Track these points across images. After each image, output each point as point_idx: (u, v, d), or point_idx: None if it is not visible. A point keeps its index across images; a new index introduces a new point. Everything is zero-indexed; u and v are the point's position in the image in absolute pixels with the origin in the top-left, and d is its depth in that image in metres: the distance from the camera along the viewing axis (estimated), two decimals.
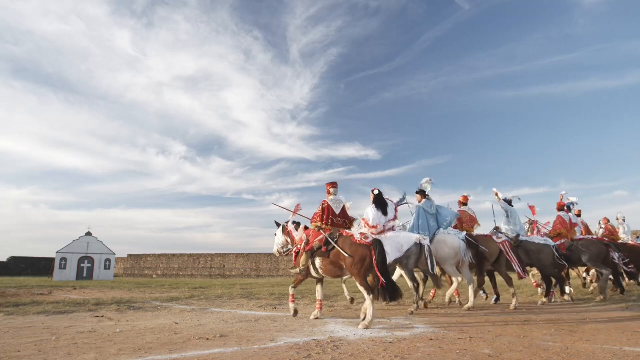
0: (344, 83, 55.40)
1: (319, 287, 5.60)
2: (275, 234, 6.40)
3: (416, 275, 6.49)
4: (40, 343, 3.67)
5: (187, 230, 57.63)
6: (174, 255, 31.36)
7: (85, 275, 22.96)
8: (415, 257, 5.89)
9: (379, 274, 4.65)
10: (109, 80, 52.44)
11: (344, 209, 5.59)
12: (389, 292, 4.66)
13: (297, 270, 5.53)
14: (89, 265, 23.30)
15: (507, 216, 7.45)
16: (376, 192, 6.00)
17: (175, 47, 51.21)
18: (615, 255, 7.46)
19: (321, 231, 5.28)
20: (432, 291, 7.33)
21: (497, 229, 7.47)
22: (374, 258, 4.72)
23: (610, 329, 4.15)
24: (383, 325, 4.63)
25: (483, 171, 53.53)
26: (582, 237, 7.68)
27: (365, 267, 4.76)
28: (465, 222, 7.07)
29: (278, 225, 6.42)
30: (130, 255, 33.63)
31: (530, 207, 8.04)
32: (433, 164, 53.42)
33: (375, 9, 50.26)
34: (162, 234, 55.91)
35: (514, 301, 6.23)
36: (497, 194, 7.59)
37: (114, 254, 24.64)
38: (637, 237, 11.12)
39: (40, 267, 32.31)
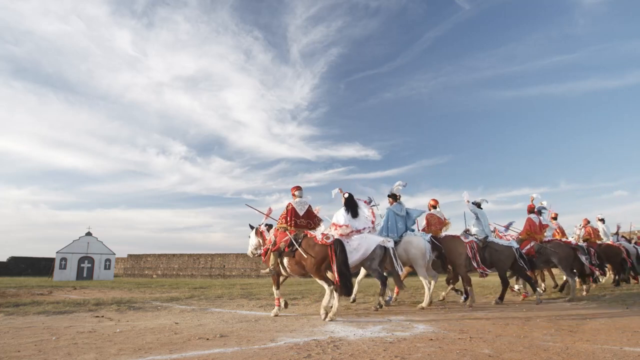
0: (344, 83, 55.47)
1: (276, 289, 5.90)
2: (249, 236, 6.66)
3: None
4: (40, 343, 3.67)
5: (187, 230, 57.65)
6: (174, 255, 31.34)
7: (85, 275, 22.95)
8: (379, 259, 6.13)
9: (335, 272, 4.99)
10: (109, 80, 52.48)
11: (308, 211, 5.86)
12: (344, 287, 4.98)
13: (267, 270, 5.87)
14: (89, 265, 23.29)
15: (477, 218, 7.67)
16: (346, 195, 6.41)
17: (176, 47, 51.24)
18: (583, 257, 7.66)
19: (287, 232, 5.58)
20: (396, 290, 7.57)
21: (467, 231, 7.74)
22: (333, 257, 5.04)
23: (610, 329, 4.15)
24: (383, 325, 4.62)
25: (483, 171, 53.59)
26: (551, 239, 7.88)
27: (324, 266, 5.16)
28: (433, 224, 7.36)
29: (252, 227, 6.67)
30: (130, 255, 33.62)
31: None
32: (433, 164, 53.51)
33: (376, 9, 50.29)
34: (162, 234, 55.94)
35: (470, 299, 6.68)
36: (467, 200, 7.85)
37: (114, 254, 24.63)
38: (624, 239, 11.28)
39: (40, 267, 32.29)
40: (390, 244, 6.22)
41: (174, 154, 55.95)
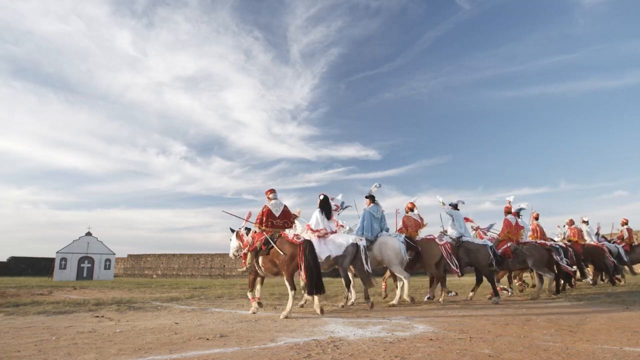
0: (344, 83, 55.49)
1: (258, 286, 6.40)
2: (231, 239, 7.00)
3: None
4: (40, 343, 3.67)
5: (187, 230, 57.64)
6: (174, 255, 31.33)
7: (85, 275, 22.95)
8: (350, 257, 6.38)
9: (303, 271, 5.30)
10: (109, 80, 52.49)
11: (284, 211, 6.10)
12: (315, 286, 5.30)
13: (244, 269, 6.23)
14: (89, 265, 23.29)
15: (453, 220, 7.97)
16: (322, 197, 6.71)
17: (176, 47, 51.25)
18: (558, 258, 7.86)
19: (263, 232, 5.88)
20: (383, 284, 8.03)
21: (444, 232, 8.10)
22: (302, 256, 5.35)
23: (610, 329, 4.15)
24: (383, 325, 4.62)
25: (483, 171, 53.61)
26: (527, 241, 8.10)
27: (294, 264, 5.44)
28: (409, 226, 7.62)
29: (232, 231, 7.01)
30: (130, 255, 33.61)
31: (466, 219, 8.48)
32: (433, 164, 53.53)
33: (376, 9, 50.29)
34: (162, 234, 55.94)
35: (442, 297, 7.24)
36: (441, 202, 8.20)
37: (114, 254, 24.63)
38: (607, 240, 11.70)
39: (40, 267, 32.29)
40: (362, 243, 6.44)
41: (174, 154, 56.02)
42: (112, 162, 55.65)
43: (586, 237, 10.67)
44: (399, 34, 52.70)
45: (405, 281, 6.89)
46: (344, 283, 6.74)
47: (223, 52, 52.20)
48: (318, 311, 5.52)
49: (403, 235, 7.24)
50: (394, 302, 6.75)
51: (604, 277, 11.02)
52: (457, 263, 7.04)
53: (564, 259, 7.98)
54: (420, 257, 7.19)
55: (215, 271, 29.14)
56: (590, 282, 10.77)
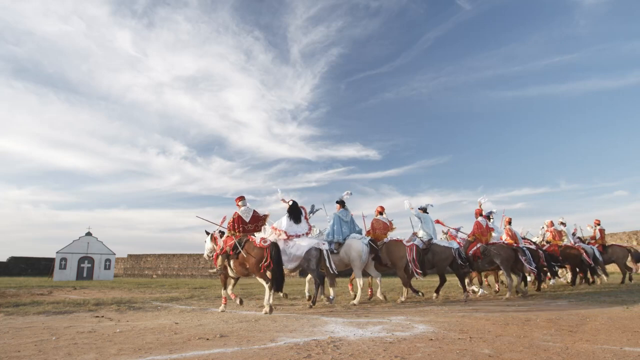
0: (344, 83, 55.45)
1: (230, 287, 6.82)
2: (205, 241, 7.35)
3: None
4: (40, 343, 3.67)
5: (187, 230, 57.55)
6: (174, 255, 31.33)
7: (85, 275, 22.94)
8: (315, 259, 6.70)
9: (269, 271, 5.85)
10: (110, 81, 52.48)
11: (254, 216, 6.51)
12: (277, 284, 5.91)
13: (215, 270, 6.71)
14: (89, 265, 23.29)
15: (422, 223, 8.44)
16: (290, 202, 7.11)
17: (176, 47, 51.24)
18: (523, 259, 8.17)
19: (233, 237, 6.33)
20: (369, 290, 8.35)
21: (415, 234, 8.47)
22: (269, 258, 5.83)
23: (610, 329, 4.15)
24: (383, 325, 4.62)
25: (483, 171, 53.58)
26: (495, 242, 8.42)
27: (262, 265, 5.91)
28: (378, 229, 7.98)
29: (207, 233, 7.36)
30: (130, 255, 33.62)
31: (437, 221, 8.97)
32: (433, 164, 53.51)
33: (376, 9, 50.28)
34: (162, 234, 55.86)
35: (404, 296, 7.57)
36: (410, 206, 8.64)
37: (114, 254, 24.62)
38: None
39: (40, 267, 32.29)
40: (325, 246, 6.83)
41: (175, 154, 55.99)
42: (112, 162, 55.67)
43: (564, 239, 11.11)
44: (400, 34, 52.72)
45: (360, 282, 7.38)
46: (314, 284, 6.96)
47: (223, 52, 52.22)
48: (267, 309, 5.81)
49: (368, 238, 7.62)
50: (355, 301, 7.15)
51: (589, 278, 11.45)
52: (419, 265, 7.38)
53: (531, 259, 8.31)
54: (380, 258, 7.59)
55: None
56: (565, 281, 11.47)
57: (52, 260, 23.88)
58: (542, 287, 9.29)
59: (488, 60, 48.86)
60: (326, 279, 7.31)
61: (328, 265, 6.71)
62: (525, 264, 8.09)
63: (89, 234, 23.86)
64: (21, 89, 49.45)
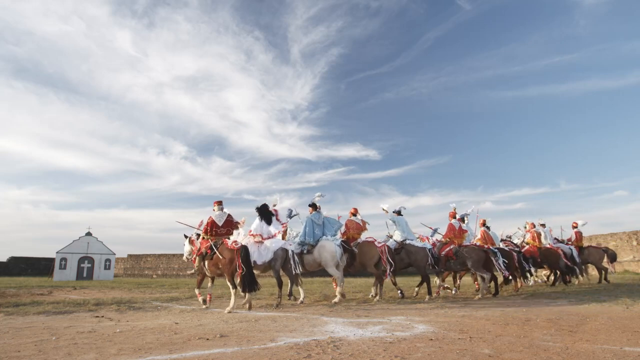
0: (344, 83, 55.42)
1: (209, 284, 7.36)
2: (184, 244, 7.73)
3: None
4: (40, 343, 3.67)
5: (187, 230, 57.48)
6: (174, 255, 31.30)
7: (85, 275, 22.92)
8: (281, 260, 7.16)
9: (240, 271, 6.17)
10: (110, 81, 52.45)
11: (227, 221, 6.92)
12: (248, 284, 6.18)
13: (192, 271, 7.30)
14: (89, 265, 23.26)
15: (396, 225, 8.76)
16: (260, 206, 7.51)
17: (176, 47, 51.22)
18: (494, 260, 8.46)
19: (208, 240, 6.75)
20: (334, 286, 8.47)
21: (389, 236, 8.85)
22: (238, 259, 6.19)
23: (610, 329, 4.15)
24: (383, 325, 4.62)
25: (483, 171, 53.59)
26: (467, 244, 8.71)
27: (233, 266, 6.31)
28: (351, 229, 8.29)
29: (186, 237, 7.76)
30: (130, 255, 33.60)
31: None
32: (433, 164, 53.50)
33: (376, 9, 50.27)
34: (162, 234, 55.75)
35: (375, 295, 7.86)
36: (385, 210, 8.95)
37: (114, 254, 24.60)
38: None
39: (40, 267, 32.27)
40: (291, 247, 7.29)
41: (175, 154, 55.96)
42: (112, 162, 55.64)
43: (543, 240, 11.41)
44: (400, 34, 52.70)
45: (339, 279, 7.68)
46: (276, 283, 7.29)
47: (223, 52, 52.22)
48: (247, 307, 6.35)
49: (340, 239, 7.88)
50: (336, 300, 7.40)
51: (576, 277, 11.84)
52: (392, 264, 7.67)
53: (502, 260, 8.62)
54: (355, 258, 7.88)
55: None
56: (541, 281, 11.95)
57: (52, 260, 23.86)
58: (517, 286, 9.59)
59: (488, 60, 48.87)
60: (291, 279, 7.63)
61: (293, 265, 7.12)
62: (496, 265, 8.37)
63: (89, 234, 23.84)
64: (21, 89, 49.46)
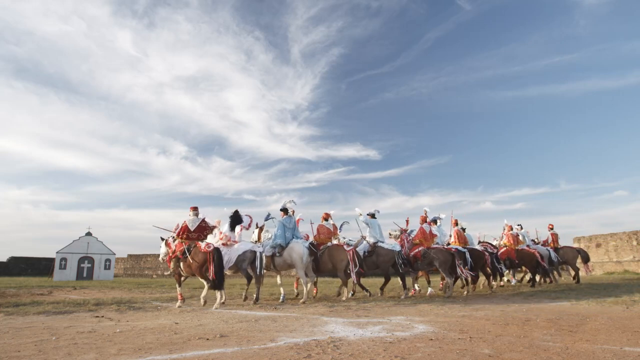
0: (344, 83, 55.51)
1: (178, 286, 7.61)
2: (161, 246, 8.08)
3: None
4: (40, 343, 3.67)
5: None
6: None
7: (85, 275, 22.93)
8: (248, 261, 7.67)
9: (211, 272, 6.70)
10: (110, 81, 52.51)
11: (199, 226, 7.36)
12: (217, 283, 6.78)
13: (169, 272, 7.80)
14: (89, 265, 23.27)
15: (369, 227, 9.03)
16: (232, 212, 7.95)
17: (176, 47, 51.27)
18: (457, 262, 8.74)
19: (182, 243, 7.22)
20: (314, 290, 9.08)
21: (363, 237, 9.14)
22: (211, 261, 6.71)
23: (610, 329, 4.15)
24: (383, 325, 4.62)
25: (483, 171, 53.64)
26: (435, 246, 9.04)
27: (205, 268, 6.83)
28: (322, 233, 8.67)
29: (162, 239, 8.10)
30: (130, 255, 33.62)
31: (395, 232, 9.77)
32: (433, 164, 53.56)
33: (376, 9, 50.30)
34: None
35: (345, 294, 8.39)
36: (359, 213, 9.23)
37: (114, 254, 24.61)
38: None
39: (40, 267, 32.29)
40: (259, 249, 7.76)
41: (175, 154, 56.05)
42: (112, 162, 55.72)
43: (521, 241, 11.75)
44: (400, 34, 52.76)
45: (309, 281, 8.22)
46: (246, 281, 8.18)
47: (224, 52, 52.26)
48: (202, 302, 7.16)
49: (308, 242, 8.34)
50: (304, 299, 7.66)
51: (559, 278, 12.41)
52: (360, 268, 7.95)
53: (468, 262, 9.09)
54: (319, 260, 8.33)
55: None
56: (514, 282, 12.51)
57: (52, 260, 23.87)
58: (491, 286, 9.83)
59: (488, 60, 48.93)
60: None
61: (257, 267, 7.56)
62: (458, 267, 8.63)
63: (89, 234, 23.84)
64: (21, 89, 49.48)
